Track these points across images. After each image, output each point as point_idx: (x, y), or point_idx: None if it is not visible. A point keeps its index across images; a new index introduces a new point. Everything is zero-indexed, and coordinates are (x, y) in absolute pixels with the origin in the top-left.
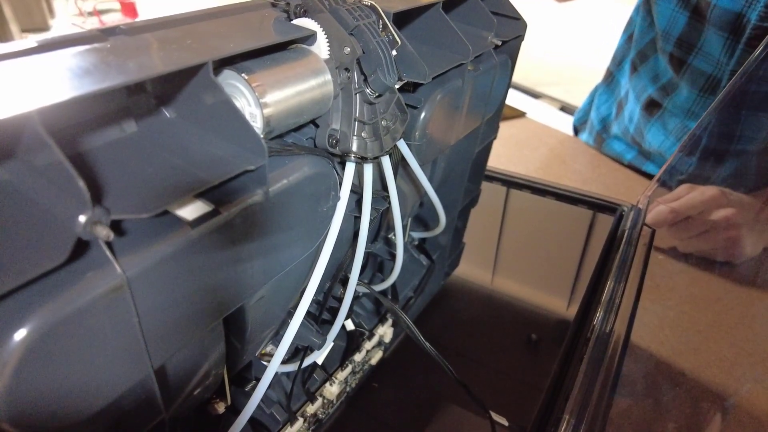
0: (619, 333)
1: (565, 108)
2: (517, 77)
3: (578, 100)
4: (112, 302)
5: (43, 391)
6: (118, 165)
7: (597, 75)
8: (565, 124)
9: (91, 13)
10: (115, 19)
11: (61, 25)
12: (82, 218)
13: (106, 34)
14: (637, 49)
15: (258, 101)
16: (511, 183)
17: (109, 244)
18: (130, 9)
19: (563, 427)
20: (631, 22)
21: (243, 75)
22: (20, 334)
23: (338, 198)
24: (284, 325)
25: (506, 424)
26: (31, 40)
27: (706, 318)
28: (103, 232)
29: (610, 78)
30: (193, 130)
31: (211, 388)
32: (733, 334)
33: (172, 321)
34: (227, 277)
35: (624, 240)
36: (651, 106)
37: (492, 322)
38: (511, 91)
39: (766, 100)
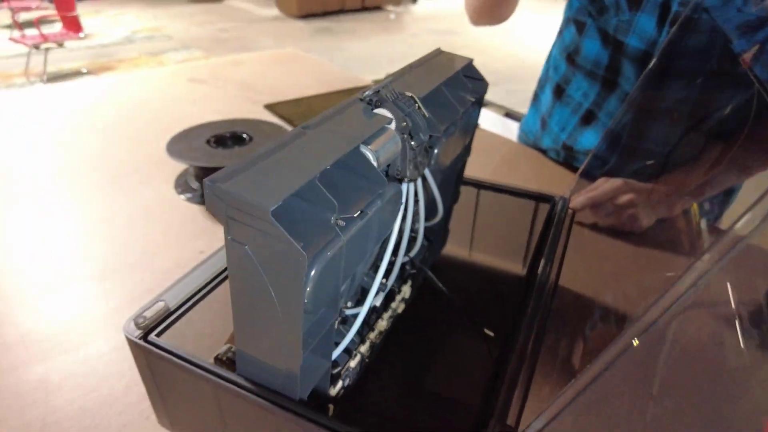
0: (552, 281)
1: (510, 114)
2: None
3: (521, 104)
4: (339, 252)
5: (319, 289)
6: (337, 190)
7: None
8: (509, 130)
9: (30, 24)
10: (55, 30)
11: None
12: (333, 217)
13: (304, 128)
14: (559, 76)
15: (377, 158)
16: (476, 184)
17: (339, 227)
18: (73, 23)
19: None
20: (549, 57)
21: (368, 148)
22: (313, 268)
23: (401, 203)
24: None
25: (493, 335)
26: (264, 148)
27: (615, 268)
28: (340, 223)
29: (536, 98)
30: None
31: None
32: (636, 278)
33: (350, 264)
34: (363, 248)
35: (556, 220)
36: (588, 117)
37: (470, 280)
38: None
39: (658, 115)
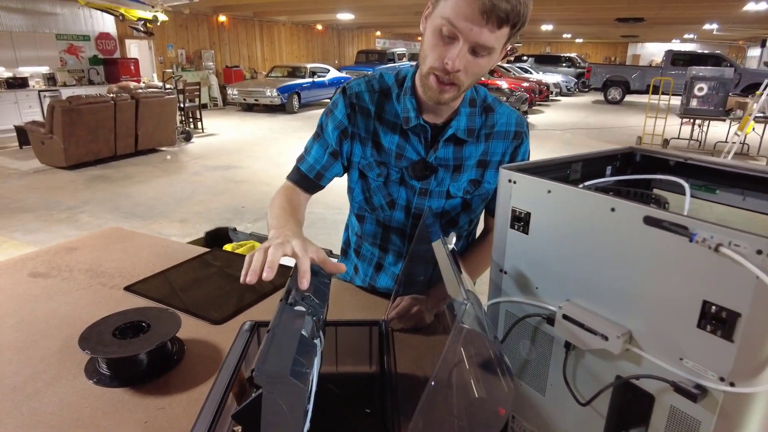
0: (393, 371)
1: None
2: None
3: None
4: (309, 383)
5: (306, 401)
6: (302, 354)
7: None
8: None
9: None
10: None
11: None
12: (304, 369)
13: (269, 330)
14: (355, 245)
15: (307, 332)
16: (334, 323)
17: (307, 373)
18: None
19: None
20: (347, 228)
21: (305, 330)
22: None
23: (318, 351)
24: None
25: (369, 411)
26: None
27: (427, 353)
28: (307, 371)
29: (346, 254)
30: (305, 344)
31: None
32: (431, 352)
33: (310, 387)
34: (312, 378)
35: (385, 332)
36: (378, 267)
37: (341, 383)
38: None
39: (420, 261)
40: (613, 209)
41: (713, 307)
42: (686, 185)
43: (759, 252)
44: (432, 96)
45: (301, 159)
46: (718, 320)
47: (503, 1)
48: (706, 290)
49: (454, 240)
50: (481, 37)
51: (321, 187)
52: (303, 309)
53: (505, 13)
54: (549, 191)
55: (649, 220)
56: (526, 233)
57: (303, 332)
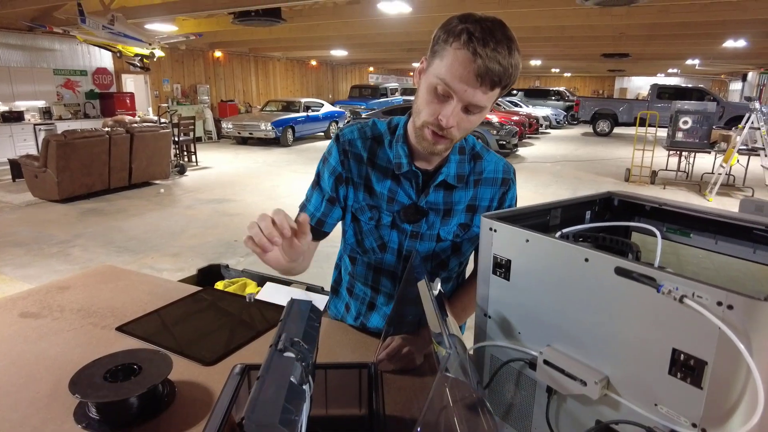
0: (382, 413)
1: (310, 288)
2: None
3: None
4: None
5: None
6: (291, 402)
7: None
8: (318, 303)
9: None
10: None
11: None
12: (293, 416)
13: (259, 377)
14: (348, 283)
15: (296, 379)
16: (324, 366)
17: (296, 421)
18: None
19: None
20: (337, 266)
21: (294, 376)
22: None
23: (307, 397)
24: None
25: None
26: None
27: (416, 395)
28: (296, 418)
29: (337, 292)
30: (293, 391)
31: None
32: (420, 397)
33: None
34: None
35: (374, 374)
36: (370, 306)
37: (331, 425)
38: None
39: (409, 302)
40: (586, 259)
41: (682, 355)
42: (658, 233)
43: (719, 303)
44: (426, 147)
45: (302, 207)
46: (687, 368)
47: (497, 65)
48: (674, 339)
49: (438, 286)
50: (475, 98)
51: (325, 234)
52: (292, 355)
53: (498, 76)
54: (527, 240)
55: (619, 271)
56: (508, 279)
57: (292, 379)
